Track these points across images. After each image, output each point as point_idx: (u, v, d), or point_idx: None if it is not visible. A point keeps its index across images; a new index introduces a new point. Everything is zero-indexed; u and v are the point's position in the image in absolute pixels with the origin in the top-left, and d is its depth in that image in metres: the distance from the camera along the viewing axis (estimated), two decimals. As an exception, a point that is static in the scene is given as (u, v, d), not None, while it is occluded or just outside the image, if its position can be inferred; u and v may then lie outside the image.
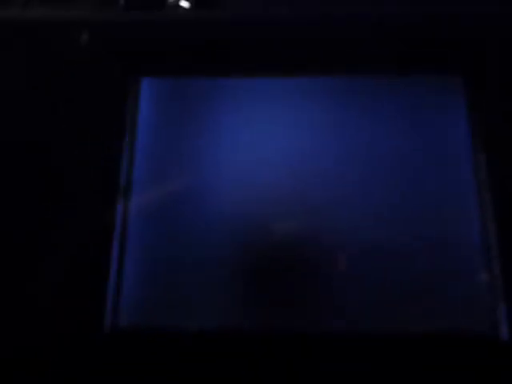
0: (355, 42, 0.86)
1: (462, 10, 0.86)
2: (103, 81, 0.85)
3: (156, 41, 0.87)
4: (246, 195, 0.83)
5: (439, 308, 0.77)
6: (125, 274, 0.78)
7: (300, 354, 0.73)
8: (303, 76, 0.88)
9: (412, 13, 0.87)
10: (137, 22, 0.88)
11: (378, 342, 0.73)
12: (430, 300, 0.76)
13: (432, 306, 0.76)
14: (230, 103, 0.87)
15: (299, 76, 0.89)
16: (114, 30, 0.88)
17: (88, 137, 0.82)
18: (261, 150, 0.85)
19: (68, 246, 0.77)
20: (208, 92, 0.88)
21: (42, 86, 0.85)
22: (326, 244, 0.82)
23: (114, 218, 0.79)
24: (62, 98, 0.84)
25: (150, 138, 0.85)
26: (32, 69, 0.86)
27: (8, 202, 0.79)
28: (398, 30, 0.86)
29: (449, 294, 0.77)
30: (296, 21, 0.87)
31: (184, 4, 0.90)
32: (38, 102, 0.84)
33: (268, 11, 0.89)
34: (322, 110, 0.86)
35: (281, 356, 0.73)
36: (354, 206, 0.82)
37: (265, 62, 0.88)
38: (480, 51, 0.85)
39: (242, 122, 0.87)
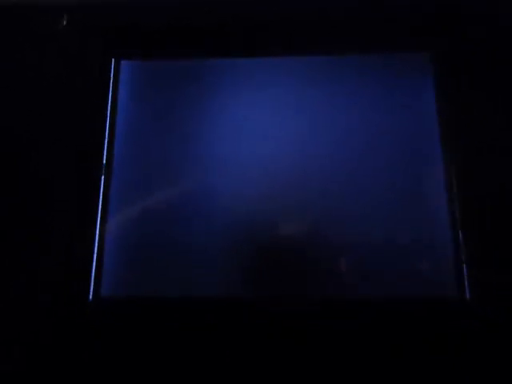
0: (324, 21, 0.88)
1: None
2: (83, 63, 0.87)
3: (136, 24, 0.90)
4: (226, 172, 0.86)
5: (410, 273, 0.80)
6: (106, 250, 0.83)
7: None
8: (275, 57, 0.91)
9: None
10: (117, 5, 0.90)
11: (355, 307, 0.78)
12: (404, 266, 0.80)
13: (404, 272, 0.80)
14: (207, 86, 0.90)
15: (277, 56, 0.91)
16: (94, 13, 0.90)
17: (69, 119, 0.84)
18: (239, 129, 0.88)
19: (53, 223, 0.80)
20: (186, 75, 0.90)
21: (22, 70, 0.87)
22: (305, 218, 0.85)
23: (96, 200, 0.83)
24: (43, 81, 0.86)
25: (129, 118, 0.89)
26: (13, 52, 0.88)
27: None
28: (367, 7, 0.88)
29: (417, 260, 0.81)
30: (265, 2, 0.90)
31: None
32: (18, 86, 0.86)
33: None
34: (286, 89, 0.89)
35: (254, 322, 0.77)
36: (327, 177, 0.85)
37: (243, 43, 0.91)
38: (447, 27, 0.86)
39: (222, 104, 0.89)
